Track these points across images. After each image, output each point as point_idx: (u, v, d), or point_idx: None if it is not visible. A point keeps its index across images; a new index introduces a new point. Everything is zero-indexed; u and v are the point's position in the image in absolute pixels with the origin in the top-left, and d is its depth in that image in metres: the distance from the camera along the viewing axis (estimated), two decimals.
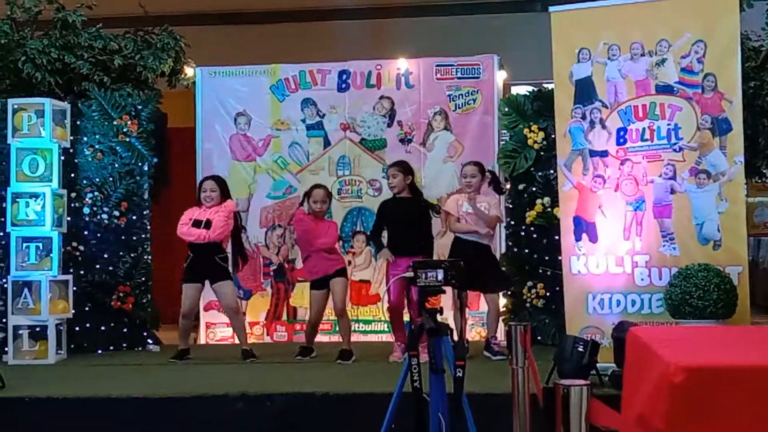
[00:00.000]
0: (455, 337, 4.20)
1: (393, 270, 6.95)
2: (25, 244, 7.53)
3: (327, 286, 7.16)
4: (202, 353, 7.61)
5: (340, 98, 8.69)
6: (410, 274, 4.12)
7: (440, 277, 4.04)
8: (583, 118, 6.36)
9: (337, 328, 7.62)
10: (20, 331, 7.41)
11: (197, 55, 8.92)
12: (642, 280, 6.15)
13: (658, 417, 2.47)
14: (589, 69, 6.36)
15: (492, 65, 8.47)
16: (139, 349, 8.03)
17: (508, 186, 8.03)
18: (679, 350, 2.68)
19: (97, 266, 7.98)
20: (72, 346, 7.72)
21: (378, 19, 11.04)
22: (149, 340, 8.11)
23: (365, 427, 4.75)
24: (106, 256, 8.00)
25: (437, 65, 8.58)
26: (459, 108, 8.52)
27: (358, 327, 8.47)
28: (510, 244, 8.03)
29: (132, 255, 8.07)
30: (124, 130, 8.04)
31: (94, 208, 7.99)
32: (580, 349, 5.59)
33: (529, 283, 7.77)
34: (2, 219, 7.66)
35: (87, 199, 7.99)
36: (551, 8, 6.56)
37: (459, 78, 8.52)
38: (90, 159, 8.04)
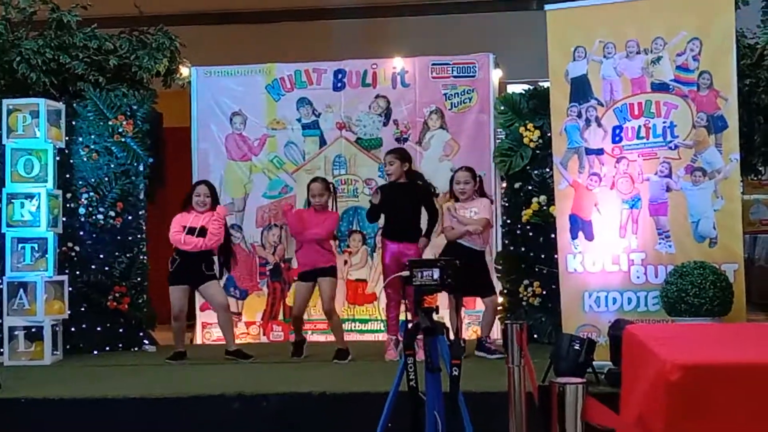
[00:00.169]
0: (451, 336, 4.18)
1: (387, 253, 7.02)
2: (20, 245, 7.51)
3: (314, 280, 7.14)
4: (198, 353, 7.61)
5: (335, 97, 8.68)
6: (406, 273, 4.11)
7: (436, 276, 4.03)
8: (579, 116, 6.36)
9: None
10: (16, 332, 7.39)
11: (192, 55, 8.91)
12: (638, 277, 6.15)
13: (655, 415, 2.47)
14: (584, 67, 6.36)
15: (488, 64, 8.47)
16: (135, 349, 8.02)
17: (503, 186, 8.05)
18: (676, 348, 2.67)
19: (93, 267, 7.96)
20: (68, 346, 7.71)
21: (373, 18, 11.03)
22: (145, 341, 8.09)
23: (362, 427, 4.74)
24: (101, 256, 7.99)
25: (433, 64, 8.58)
26: (455, 107, 8.52)
27: (355, 326, 8.47)
28: (506, 242, 8.03)
29: (128, 255, 8.06)
30: (120, 130, 8.03)
31: (90, 209, 7.98)
32: (577, 348, 5.59)
33: (526, 282, 7.78)
34: None
35: (82, 200, 7.98)
36: (547, 6, 6.57)
37: (455, 77, 8.52)
38: (85, 159, 8.03)
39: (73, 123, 8.02)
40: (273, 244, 8.67)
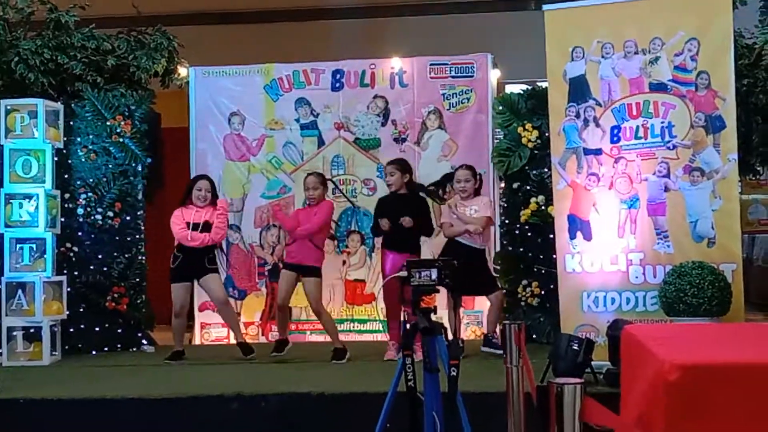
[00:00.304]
0: (449, 336, 4.18)
1: (388, 263, 7.03)
2: (18, 246, 7.50)
3: (296, 273, 7.14)
4: (197, 353, 7.60)
5: (334, 97, 8.68)
6: (404, 273, 4.11)
7: (434, 276, 4.03)
8: (577, 116, 6.37)
9: None
10: (14, 333, 7.38)
11: (191, 55, 8.91)
12: (636, 277, 6.15)
13: (654, 415, 2.47)
14: (582, 67, 6.36)
15: (486, 64, 8.47)
16: (134, 349, 8.01)
17: (501, 186, 8.05)
18: (674, 348, 2.68)
19: (91, 267, 7.96)
20: (66, 347, 7.70)
21: (371, 18, 11.04)
22: (144, 341, 8.09)
23: (361, 427, 4.74)
24: (100, 256, 7.98)
25: (431, 64, 8.58)
26: (453, 107, 8.52)
27: (353, 326, 8.48)
28: (504, 242, 8.04)
29: (126, 255, 8.06)
30: (118, 130, 8.02)
31: (88, 209, 7.97)
32: (575, 348, 5.59)
33: (524, 282, 7.78)
34: None
35: (81, 200, 7.97)
36: (545, 6, 6.57)
37: (453, 77, 8.52)
38: (83, 160, 8.02)
39: (71, 123, 8.01)
40: (271, 245, 8.67)
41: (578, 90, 6.38)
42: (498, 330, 7.26)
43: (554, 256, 6.59)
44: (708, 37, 6.04)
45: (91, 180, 8.02)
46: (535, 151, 7.81)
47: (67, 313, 7.64)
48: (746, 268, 6.44)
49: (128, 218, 8.09)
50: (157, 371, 6.87)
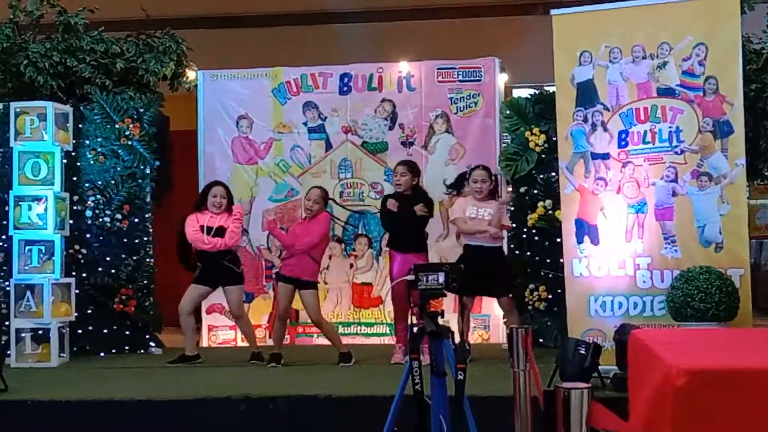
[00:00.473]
0: (456, 340, 4.19)
1: (393, 263, 7.04)
2: (27, 248, 7.53)
3: (293, 285, 7.13)
4: (205, 356, 7.60)
5: (341, 101, 8.70)
6: (411, 277, 4.12)
7: (441, 280, 4.05)
8: (585, 120, 6.37)
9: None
10: (23, 334, 7.41)
11: (199, 58, 8.94)
12: (644, 282, 6.14)
13: (661, 420, 2.48)
14: (590, 72, 6.36)
15: (493, 68, 8.48)
16: (142, 351, 8.04)
17: (509, 190, 8.02)
18: (681, 353, 2.68)
19: (100, 269, 7.99)
20: (74, 349, 7.73)
21: (379, 23, 11.04)
22: (151, 343, 8.12)
23: (368, 430, 4.74)
24: (108, 259, 8.01)
25: (439, 68, 8.59)
26: (460, 111, 8.52)
27: (360, 330, 8.49)
28: (512, 246, 8.02)
29: (134, 258, 8.09)
30: (126, 133, 8.06)
31: (97, 211, 8.00)
32: (582, 352, 5.59)
33: (531, 286, 7.78)
34: (5, 222, 7.68)
35: (89, 202, 8.00)
36: (553, 11, 6.56)
37: (460, 81, 8.53)
38: (92, 162, 8.05)
39: (80, 126, 8.05)
40: (279, 248, 8.67)
41: (586, 94, 6.37)
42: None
43: (561, 261, 6.59)
44: (716, 42, 6.04)
45: (99, 182, 8.05)
46: (543, 156, 7.81)
47: (76, 315, 7.66)
48: (754, 273, 6.44)
49: (136, 221, 8.12)
50: (164, 373, 6.90)
